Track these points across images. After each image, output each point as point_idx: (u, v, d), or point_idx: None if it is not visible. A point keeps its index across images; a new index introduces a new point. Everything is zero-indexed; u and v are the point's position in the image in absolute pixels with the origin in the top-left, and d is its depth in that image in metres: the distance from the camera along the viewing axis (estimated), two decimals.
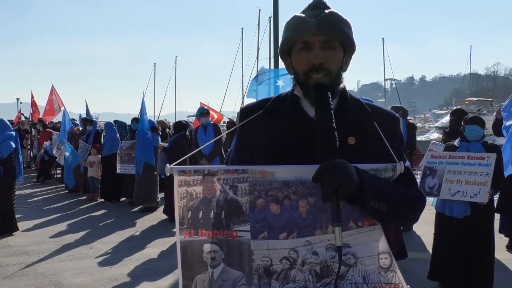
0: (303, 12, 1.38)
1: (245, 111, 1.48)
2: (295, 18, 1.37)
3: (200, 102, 14.28)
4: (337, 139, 1.25)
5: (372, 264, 1.27)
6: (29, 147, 14.21)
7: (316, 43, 1.32)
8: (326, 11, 1.34)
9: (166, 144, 8.26)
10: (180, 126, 8.44)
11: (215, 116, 12.50)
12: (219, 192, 1.27)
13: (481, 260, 4.08)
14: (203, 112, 7.86)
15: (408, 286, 1.28)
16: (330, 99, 1.30)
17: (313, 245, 1.26)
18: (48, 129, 13.85)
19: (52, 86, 15.42)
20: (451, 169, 4.17)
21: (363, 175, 1.23)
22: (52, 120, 16.55)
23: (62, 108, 13.12)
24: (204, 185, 1.26)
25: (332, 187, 1.16)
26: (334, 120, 1.27)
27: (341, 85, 1.42)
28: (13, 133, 6.78)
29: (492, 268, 4.13)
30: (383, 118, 1.42)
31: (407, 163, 1.40)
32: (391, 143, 1.36)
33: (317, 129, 1.27)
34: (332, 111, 1.28)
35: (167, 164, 1.26)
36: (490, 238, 4.18)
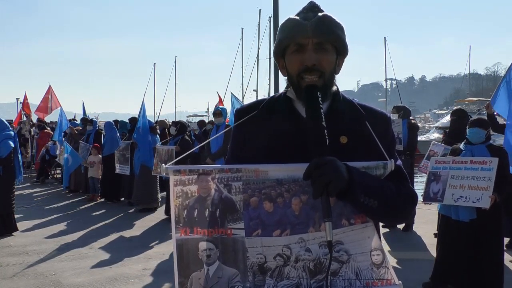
0: (297, 14, 1.40)
1: (240, 112, 1.52)
2: (289, 20, 1.40)
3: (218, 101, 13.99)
4: (327, 137, 1.27)
5: (365, 261, 1.30)
6: (28, 155, 14.22)
7: (310, 45, 1.35)
8: (320, 14, 1.37)
9: (168, 144, 8.29)
10: (184, 127, 8.56)
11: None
12: (213, 191, 1.29)
13: (489, 262, 4.05)
14: (216, 112, 7.89)
15: (400, 282, 1.31)
16: (320, 99, 1.33)
17: (306, 242, 1.28)
18: (46, 130, 13.89)
19: (50, 86, 15.44)
20: (454, 174, 4.16)
21: (353, 171, 1.26)
22: (45, 120, 16.54)
23: (59, 108, 13.13)
24: (199, 184, 1.28)
25: (322, 183, 1.19)
26: (323, 119, 1.29)
27: (334, 87, 1.46)
28: (12, 132, 6.80)
29: (502, 269, 4.10)
30: (375, 118, 1.46)
31: (399, 162, 1.43)
32: (383, 142, 1.39)
33: (307, 127, 1.30)
34: (322, 110, 1.31)
35: (162, 164, 1.28)
36: (498, 239, 4.15)
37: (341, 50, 1.41)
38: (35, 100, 16.66)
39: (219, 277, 1.26)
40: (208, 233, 1.28)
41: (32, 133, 14.76)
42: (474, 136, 4.20)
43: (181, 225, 1.28)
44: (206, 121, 13.45)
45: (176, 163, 1.35)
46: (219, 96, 13.54)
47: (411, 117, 7.34)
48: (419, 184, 11.01)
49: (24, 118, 15.88)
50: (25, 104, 15.34)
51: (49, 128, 14.60)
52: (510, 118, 5.06)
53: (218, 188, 1.28)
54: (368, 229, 1.32)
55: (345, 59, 1.46)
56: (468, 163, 4.09)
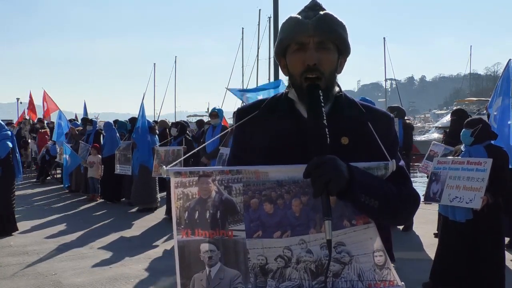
0: (299, 13, 1.39)
1: (241, 112, 1.51)
2: (290, 19, 1.39)
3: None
4: (328, 136, 1.26)
5: (367, 262, 1.29)
6: (28, 158, 14.21)
7: (311, 44, 1.33)
8: (322, 12, 1.35)
9: (170, 145, 8.31)
10: (185, 128, 8.60)
11: None
12: (214, 193, 1.28)
13: (488, 262, 4.04)
14: (212, 113, 8.03)
15: (403, 283, 1.30)
16: (322, 97, 1.32)
17: (307, 243, 1.27)
18: (43, 130, 13.88)
19: (44, 91, 15.42)
20: (452, 175, 4.17)
21: (354, 170, 1.24)
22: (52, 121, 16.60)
23: (57, 111, 13.14)
24: (200, 186, 1.28)
25: (322, 182, 1.18)
26: (325, 118, 1.28)
27: (336, 87, 1.44)
28: (9, 132, 6.81)
29: (502, 269, 4.09)
30: (377, 118, 1.44)
31: (401, 162, 1.42)
32: (385, 142, 1.37)
33: (307, 126, 1.29)
34: (324, 109, 1.30)
35: (163, 166, 1.27)
36: (497, 239, 4.14)
37: (343, 49, 1.39)
38: (35, 101, 16.68)
39: (221, 278, 1.26)
40: (209, 235, 1.27)
41: (31, 136, 14.76)
42: (463, 138, 4.29)
43: (182, 227, 1.27)
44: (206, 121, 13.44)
45: (181, 163, 1.35)
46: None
47: (406, 117, 7.37)
48: (419, 184, 11.01)
49: (27, 117, 15.90)
50: (31, 104, 15.35)
51: (47, 129, 14.60)
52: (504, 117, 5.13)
53: (219, 190, 1.28)
54: (370, 230, 1.31)
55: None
56: (465, 164, 4.11)
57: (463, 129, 4.26)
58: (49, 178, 13.10)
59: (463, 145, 4.36)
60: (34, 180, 12.90)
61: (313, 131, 1.27)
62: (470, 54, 66.57)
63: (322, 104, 1.30)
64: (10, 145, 6.62)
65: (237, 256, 1.26)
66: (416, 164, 9.23)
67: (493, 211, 4.05)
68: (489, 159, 3.97)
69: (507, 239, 5.96)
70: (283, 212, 1.28)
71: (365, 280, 1.27)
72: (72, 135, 11.28)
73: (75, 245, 6.24)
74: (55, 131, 11.88)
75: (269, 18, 30.18)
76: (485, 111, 6.32)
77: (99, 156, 9.87)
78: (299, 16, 1.37)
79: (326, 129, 1.26)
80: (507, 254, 5.63)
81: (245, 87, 37.95)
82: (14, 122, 18.99)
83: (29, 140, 14.32)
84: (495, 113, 5.48)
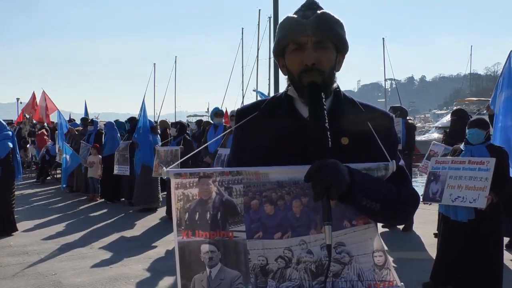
0: (296, 12, 1.38)
1: (241, 113, 1.50)
2: (288, 19, 1.38)
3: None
4: (330, 139, 1.25)
5: (367, 262, 1.29)
6: (28, 157, 14.20)
7: (309, 44, 1.33)
8: (319, 11, 1.35)
9: (169, 145, 8.30)
10: (184, 127, 8.60)
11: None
12: (214, 194, 1.28)
13: (489, 262, 4.05)
14: (217, 112, 8.06)
15: (402, 283, 1.30)
16: (324, 99, 1.31)
17: (307, 244, 1.27)
18: (41, 131, 13.88)
19: (43, 91, 15.37)
20: (453, 175, 4.15)
21: (355, 174, 1.24)
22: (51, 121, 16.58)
23: (56, 112, 13.13)
24: (200, 187, 1.28)
25: (323, 186, 1.18)
26: (326, 121, 1.27)
27: (335, 85, 1.43)
28: (10, 132, 6.81)
29: (501, 270, 4.09)
30: (377, 118, 1.43)
31: (401, 162, 1.41)
32: (385, 143, 1.36)
33: (309, 129, 1.28)
34: (325, 111, 1.29)
35: (164, 168, 1.28)
36: (497, 240, 4.14)
37: (341, 47, 1.39)
38: (36, 101, 16.65)
39: (221, 279, 1.26)
40: (209, 236, 1.27)
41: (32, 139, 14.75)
42: (473, 137, 4.19)
43: (182, 228, 1.28)
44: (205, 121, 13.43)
45: (179, 164, 1.35)
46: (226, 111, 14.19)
47: (408, 117, 7.36)
48: (419, 184, 11.01)
49: (27, 116, 15.87)
50: (34, 104, 15.30)
51: (47, 128, 14.58)
52: (505, 116, 5.12)
53: (219, 191, 1.28)
54: (370, 230, 1.31)
55: (346, 58, 1.44)
56: (466, 163, 4.09)
57: (475, 129, 4.15)
58: (49, 178, 13.10)
59: (462, 144, 4.35)
60: (34, 180, 12.90)
61: (315, 134, 1.26)
62: (471, 54, 66.48)
63: (324, 106, 1.30)
64: (11, 145, 6.62)
65: (237, 257, 1.27)
66: (416, 164, 9.23)
67: (495, 211, 4.06)
68: (492, 158, 3.95)
69: (506, 239, 5.97)
70: (283, 213, 1.28)
71: (365, 280, 1.28)
72: (71, 135, 11.27)
73: (75, 245, 6.24)
74: (58, 132, 11.85)
75: (269, 18, 30.19)
76: (485, 111, 6.33)
77: (99, 156, 9.87)
78: (297, 16, 1.36)
79: (328, 133, 1.25)
80: (507, 253, 5.65)
81: (244, 87, 37.99)
82: (14, 122, 19.00)
83: (28, 146, 14.31)
84: (502, 97, 5.40)
